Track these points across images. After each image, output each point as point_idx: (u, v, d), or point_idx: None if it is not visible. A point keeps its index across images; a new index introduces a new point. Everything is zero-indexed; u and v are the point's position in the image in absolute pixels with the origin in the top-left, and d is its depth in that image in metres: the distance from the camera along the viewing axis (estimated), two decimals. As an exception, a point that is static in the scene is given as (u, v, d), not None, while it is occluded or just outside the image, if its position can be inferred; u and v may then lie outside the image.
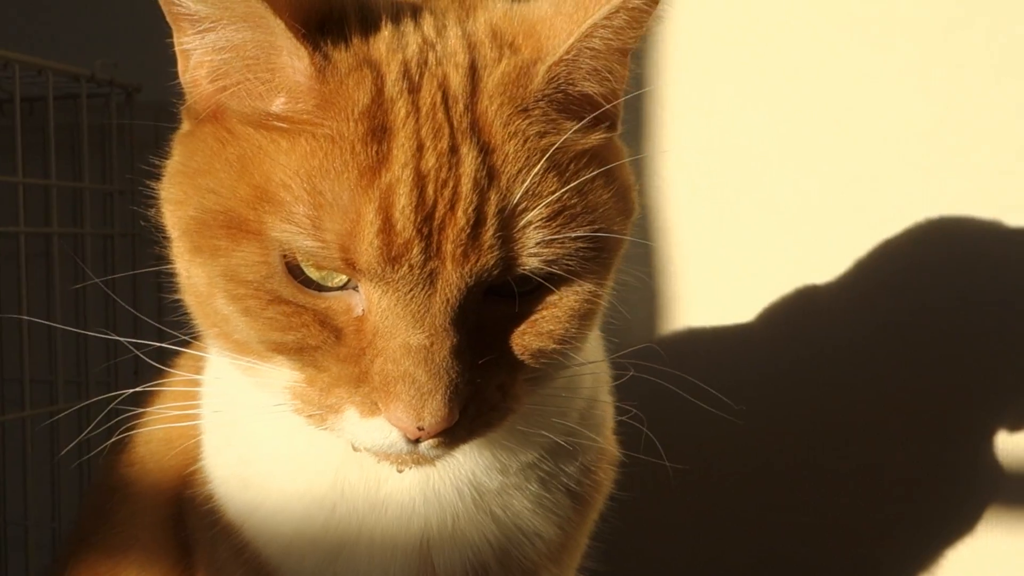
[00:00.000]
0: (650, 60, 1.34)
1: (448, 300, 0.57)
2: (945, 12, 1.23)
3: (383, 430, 0.58)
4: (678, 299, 1.36)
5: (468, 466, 0.72)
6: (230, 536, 0.75)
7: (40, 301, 1.53)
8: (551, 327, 0.62)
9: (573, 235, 0.59)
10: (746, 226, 1.33)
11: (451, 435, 0.59)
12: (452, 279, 0.57)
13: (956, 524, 1.26)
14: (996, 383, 1.25)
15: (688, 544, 1.36)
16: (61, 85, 1.44)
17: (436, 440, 0.59)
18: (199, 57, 0.61)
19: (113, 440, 0.90)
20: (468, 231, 0.56)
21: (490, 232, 0.57)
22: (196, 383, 0.78)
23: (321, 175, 0.56)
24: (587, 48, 0.61)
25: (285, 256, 0.58)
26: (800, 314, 1.31)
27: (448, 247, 0.56)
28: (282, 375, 0.61)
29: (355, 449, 0.65)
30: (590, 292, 0.62)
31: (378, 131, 0.57)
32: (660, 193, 1.35)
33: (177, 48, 0.63)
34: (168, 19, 0.62)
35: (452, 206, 0.56)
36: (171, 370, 0.82)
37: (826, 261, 1.30)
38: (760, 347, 1.32)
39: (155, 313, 1.53)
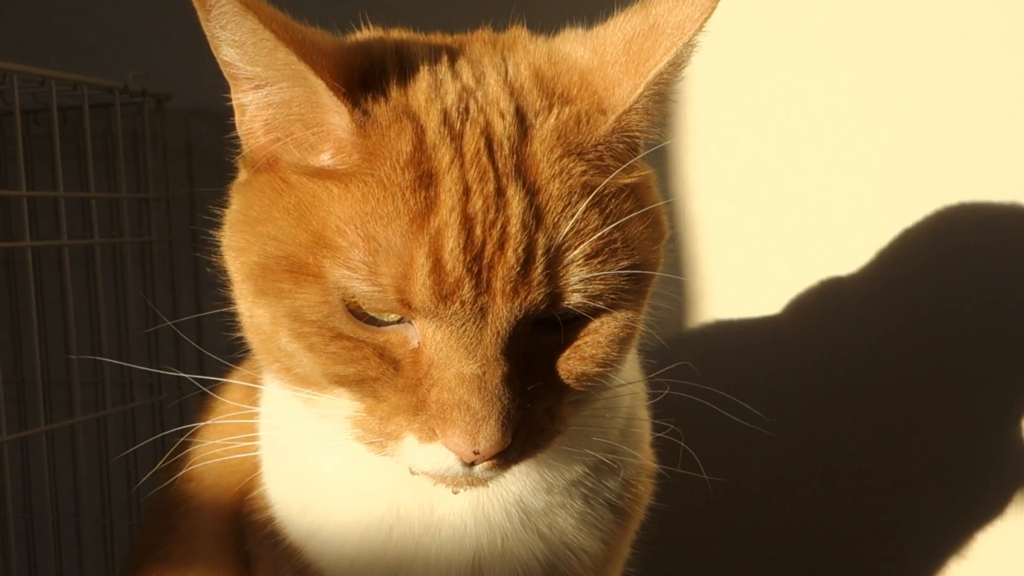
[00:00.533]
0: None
1: (499, 333, 0.60)
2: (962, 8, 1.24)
3: (440, 455, 0.62)
4: (705, 294, 1.38)
5: (515, 488, 0.76)
6: (291, 557, 0.79)
7: (82, 307, 1.57)
8: (593, 351, 0.65)
9: (614, 272, 0.62)
10: (771, 219, 1.34)
11: (504, 457, 0.62)
12: (502, 313, 0.60)
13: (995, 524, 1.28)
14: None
15: (720, 550, 1.39)
16: (95, 96, 1.47)
17: (490, 463, 0.62)
18: (254, 111, 0.65)
19: (169, 457, 0.95)
20: (517, 269, 0.59)
21: (539, 270, 0.60)
22: (249, 409, 0.82)
23: (374, 221, 0.59)
24: (647, 95, 0.64)
25: (344, 296, 0.61)
26: (825, 307, 1.33)
27: (498, 284, 0.59)
28: (342, 405, 0.65)
29: (413, 473, 0.68)
30: (628, 319, 0.65)
31: (424, 177, 0.60)
32: (685, 187, 1.37)
33: (234, 102, 0.67)
34: (226, 77, 0.65)
35: (501, 245, 0.59)
36: (219, 396, 0.86)
37: (850, 253, 1.32)
38: (788, 342, 1.34)
39: (194, 320, 1.59)
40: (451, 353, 0.60)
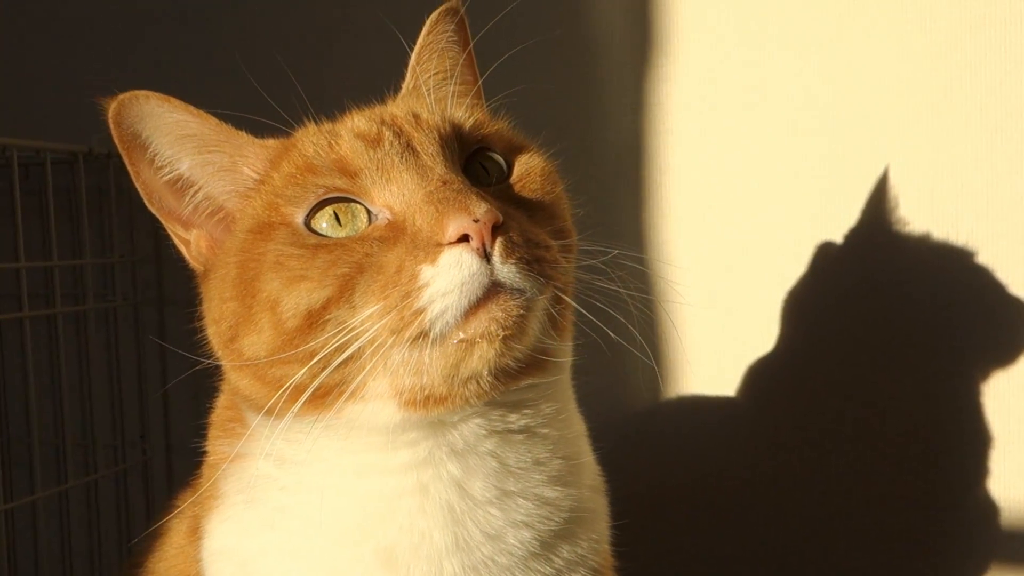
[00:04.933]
0: (653, 129, 1.34)
1: (432, 154, 0.71)
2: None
3: (457, 262, 0.64)
4: (680, 366, 1.37)
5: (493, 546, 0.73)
6: None
7: (43, 376, 1.53)
8: (527, 182, 0.77)
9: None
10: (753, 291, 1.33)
11: (509, 240, 0.65)
12: (423, 139, 0.72)
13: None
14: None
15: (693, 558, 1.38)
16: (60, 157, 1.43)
17: (501, 246, 0.64)
18: (197, 230, 0.77)
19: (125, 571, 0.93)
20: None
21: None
22: (195, 542, 0.80)
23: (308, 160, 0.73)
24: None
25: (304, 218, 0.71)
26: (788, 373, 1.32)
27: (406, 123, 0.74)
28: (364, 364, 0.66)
29: (457, 334, 0.66)
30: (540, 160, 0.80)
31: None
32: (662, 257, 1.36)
33: (178, 243, 0.79)
34: (165, 224, 0.78)
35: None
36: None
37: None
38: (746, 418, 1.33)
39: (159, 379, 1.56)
40: (411, 189, 0.68)
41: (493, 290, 0.64)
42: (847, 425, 1.29)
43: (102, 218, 1.56)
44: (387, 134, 0.72)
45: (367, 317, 0.65)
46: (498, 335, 0.65)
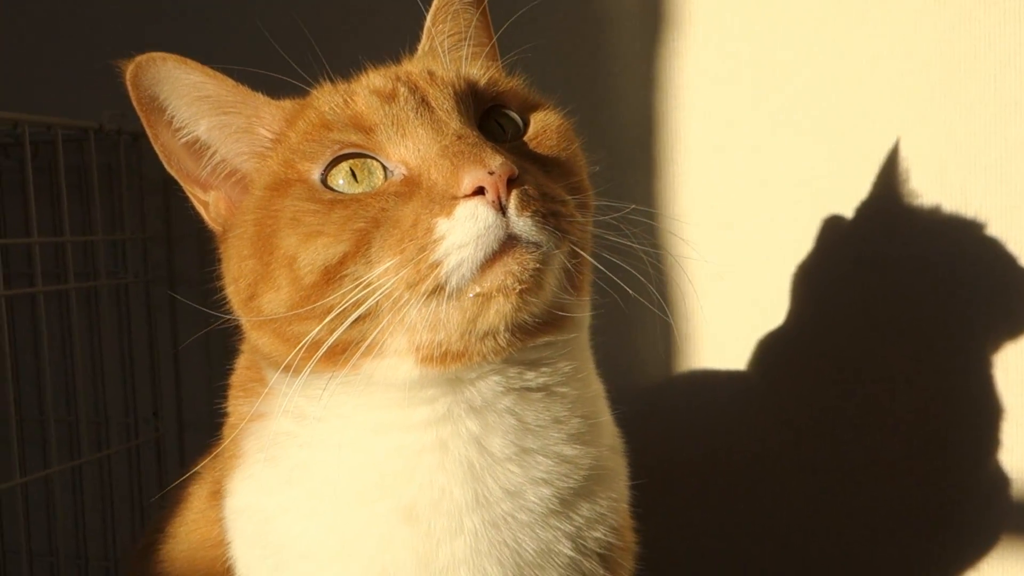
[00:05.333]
0: (664, 103, 1.34)
1: (449, 111, 0.71)
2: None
3: (472, 215, 0.64)
4: (693, 338, 1.37)
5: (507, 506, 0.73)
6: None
7: (56, 351, 1.54)
8: (542, 139, 0.77)
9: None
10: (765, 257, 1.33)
11: (525, 193, 0.65)
12: (439, 94, 0.72)
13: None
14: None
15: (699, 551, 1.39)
16: (70, 133, 1.43)
17: (516, 199, 0.64)
18: (215, 192, 0.78)
19: (144, 545, 0.94)
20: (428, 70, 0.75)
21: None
22: (215, 505, 0.81)
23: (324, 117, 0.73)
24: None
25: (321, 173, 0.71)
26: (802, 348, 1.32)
27: (420, 79, 0.74)
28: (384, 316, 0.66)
29: (471, 289, 0.66)
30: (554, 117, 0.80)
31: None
32: (675, 225, 1.36)
33: (197, 205, 0.79)
34: (184, 186, 0.78)
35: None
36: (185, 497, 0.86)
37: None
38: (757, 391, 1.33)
39: (172, 359, 1.57)
40: (426, 143, 0.68)
41: (509, 243, 0.65)
42: (857, 399, 1.29)
43: (112, 198, 1.56)
44: (402, 90, 0.72)
45: (383, 272, 0.65)
46: (514, 289, 0.65)
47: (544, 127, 0.78)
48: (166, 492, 0.90)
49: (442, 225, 0.64)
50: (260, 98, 0.77)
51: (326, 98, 0.74)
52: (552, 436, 0.74)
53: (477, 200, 0.64)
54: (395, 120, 0.70)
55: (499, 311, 0.66)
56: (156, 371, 1.59)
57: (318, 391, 0.71)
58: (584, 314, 0.78)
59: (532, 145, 0.76)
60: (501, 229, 0.64)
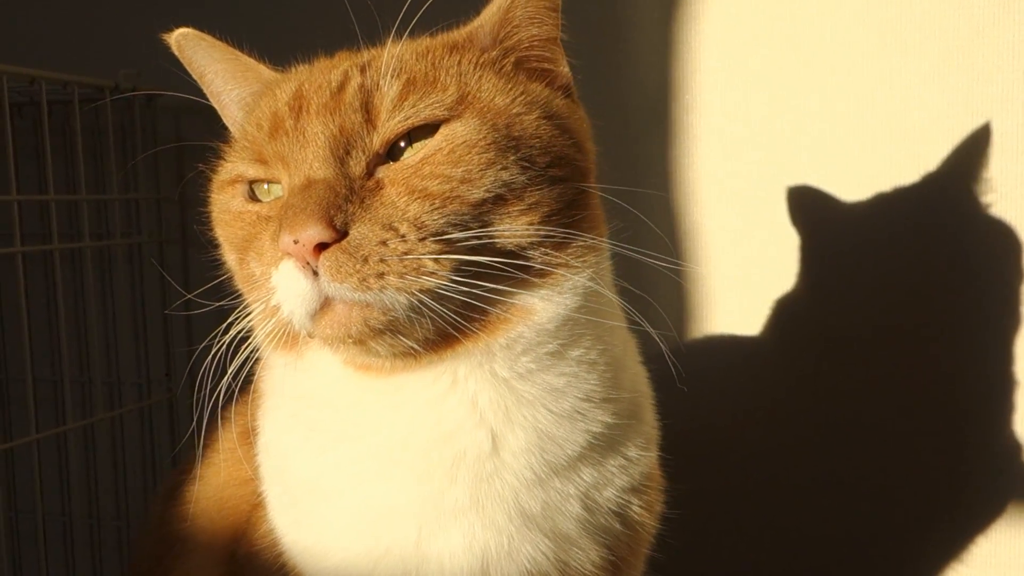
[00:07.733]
0: (681, 69, 1.33)
1: (318, 147, 0.67)
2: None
3: (289, 274, 0.65)
4: (706, 304, 1.37)
5: (513, 480, 0.73)
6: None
7: (70, 309, 1.54)
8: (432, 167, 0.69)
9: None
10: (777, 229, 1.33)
11: (336, 260, 0.63)
12: (316, 129, 0.68)
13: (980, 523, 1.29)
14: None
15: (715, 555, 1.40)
16: (84, 93, 1.43)
17: (328, 266, 0.63)
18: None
19: (168, 487, 0.95)
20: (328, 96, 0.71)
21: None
22: (246, 445, 0.84)
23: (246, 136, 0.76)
24: None
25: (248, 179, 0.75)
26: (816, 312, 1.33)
27: (312, 107, 0.70)
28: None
29: (310, 336, 0.69)
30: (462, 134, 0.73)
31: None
32: (688, 198, 1.36)
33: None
34: None
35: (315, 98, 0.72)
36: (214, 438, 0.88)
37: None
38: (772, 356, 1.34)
39: (184, 319, 1.57)
40: (287, 184, 0.69)
41: (329, 303, 0.64)
42: (872, 367, 1.29)
43: (126, 159, 1.56)
44: (287, 124, 0.70)
45: (254, 294, 0.72)
46: (353, 338, 0.66)
47: (442, 146, 0.69)
48: (179, 449, 0.93)
49: (275, 276, 0.67)
50: (266, 72, 0.82)
51: (257, 111, 0.76)
52: (540, 412, 0.73)
53: (294, 261, 0.64)
54: (278, 155, 0.71)
55: (351, 350, 0.69)
56: (168, 332, 1.59)
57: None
58: (556, 300, 0.71)
59: (425, 166, 0.68)
60: (315, 291, 0.64)
